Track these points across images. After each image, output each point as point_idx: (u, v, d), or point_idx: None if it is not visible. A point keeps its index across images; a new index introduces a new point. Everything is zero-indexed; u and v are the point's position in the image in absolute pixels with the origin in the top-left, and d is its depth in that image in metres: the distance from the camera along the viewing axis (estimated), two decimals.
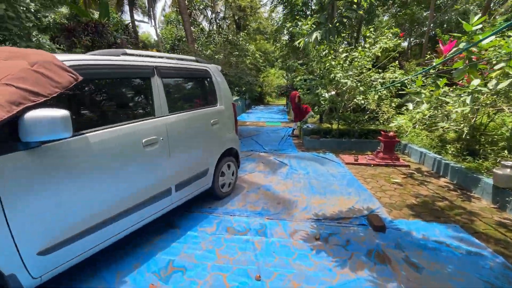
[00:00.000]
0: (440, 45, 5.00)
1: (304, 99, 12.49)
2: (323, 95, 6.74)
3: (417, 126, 5.44)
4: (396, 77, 5.76)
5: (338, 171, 5.07)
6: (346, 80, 5.81)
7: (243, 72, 7.65)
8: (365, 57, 6.00)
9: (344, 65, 6.03)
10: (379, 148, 5.90)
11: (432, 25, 14.01)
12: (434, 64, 4.21)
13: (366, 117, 7.01)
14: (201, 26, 17.22)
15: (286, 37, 24.31)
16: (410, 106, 4.39)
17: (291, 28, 6.32)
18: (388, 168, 5.39)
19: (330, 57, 6.16)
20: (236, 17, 22.39)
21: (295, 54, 21.33)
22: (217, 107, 3.49)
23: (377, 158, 5.70)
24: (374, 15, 10.52)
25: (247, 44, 16.76)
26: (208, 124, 3.26)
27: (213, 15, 21.10)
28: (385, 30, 6.51)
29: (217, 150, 3.44)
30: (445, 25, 17.36)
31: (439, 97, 4.15)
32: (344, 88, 6.14)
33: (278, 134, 8.94)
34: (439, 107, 4.33)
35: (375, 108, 6.67)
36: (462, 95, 3.79)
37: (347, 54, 6.16)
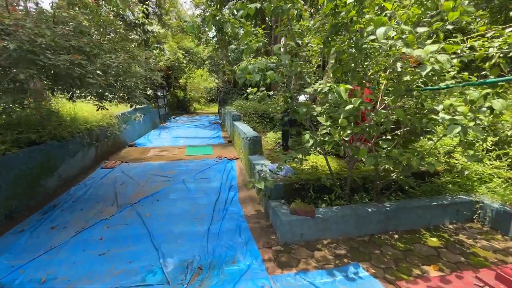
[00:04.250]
0: None
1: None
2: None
3: None
4: None
5: None
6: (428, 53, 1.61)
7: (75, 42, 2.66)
8: None
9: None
10: None
11: None
12: None
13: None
14: None
15: (211, 33, 19.91)
16: None
17: None
18: None
19: None
20: None
21: (225, 50, 17.04)
22: None
23: None
24: None
25: (153, 26, 11.48)
26: None
27: None
28: None
29: None
30: None
31: None
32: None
33: (208, 184, 4.27)
34: None
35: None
36: None
37: None
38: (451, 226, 3.03)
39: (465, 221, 3.10)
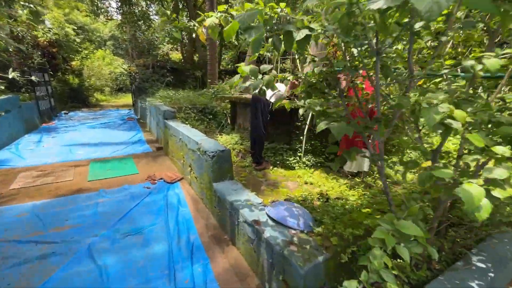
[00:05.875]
0: None
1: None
2: None
3: None
4: None
5: None
6: None
7: None
8: None
9: None
10: None
11: None
12: None
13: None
14: None
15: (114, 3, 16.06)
16: None
17: None
18: None
19: None
20: None
21: (135, 26, 13.79)
22: None
23: None
24: None
25: None
26: None
27: None
28: None
29: None
30: None
31: None
32: None
33: (146, 249, 2.28)
34: None
35: None
36: None
37: None
38: None
39: None
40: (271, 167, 3.56)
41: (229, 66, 15.93)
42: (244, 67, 1.41)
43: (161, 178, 3.72)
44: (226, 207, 2.39)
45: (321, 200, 2.47)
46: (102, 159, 4.62)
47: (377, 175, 3.16)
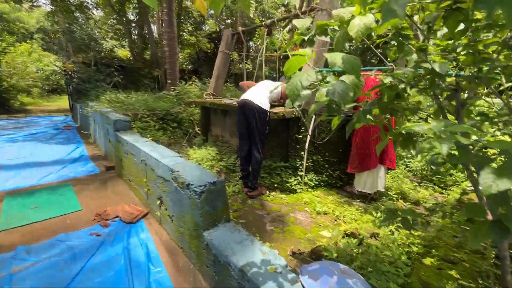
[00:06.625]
0: None
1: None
2: None
3: None
4: None
5: None
6: None
7: None
8: None
9: None
10: None
11: None
12: None
13: None
14: None
15: None
16: None
17: None
18: None
19: None
20: None
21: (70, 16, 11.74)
22: None
23: None
24: None
25: None
26: None
27: None
28: None
29: None
30: None
31: None
32: None
33: None
34: None
35: None
36: None
37: None
38: None
39: None
40: (267, 191, 2.82)
41: (184, 66, 14.52)
42: (332, 55, 0.65)
43: (117, 216, 2.69)
44: (230, 273, 1.58)
45: (361, 247, 1.81)
46: (24, 189, 3.31)
47: (395, 196, 2.67)
